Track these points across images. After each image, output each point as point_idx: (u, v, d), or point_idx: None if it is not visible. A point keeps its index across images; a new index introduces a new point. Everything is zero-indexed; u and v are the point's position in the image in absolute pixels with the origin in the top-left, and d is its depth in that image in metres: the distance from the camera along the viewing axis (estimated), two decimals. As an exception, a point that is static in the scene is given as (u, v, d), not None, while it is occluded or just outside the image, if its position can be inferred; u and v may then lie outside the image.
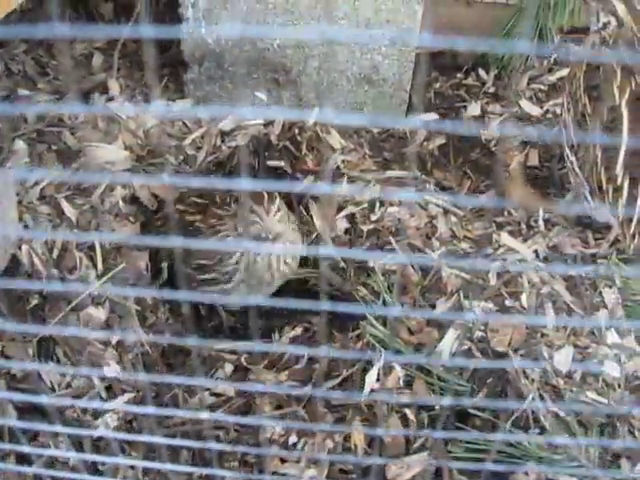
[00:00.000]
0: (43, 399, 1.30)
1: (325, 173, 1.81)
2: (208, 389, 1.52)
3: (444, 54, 2.14)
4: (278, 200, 1.48)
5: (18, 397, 1.39)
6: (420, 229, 1.70)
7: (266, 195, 1.45)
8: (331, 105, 1.90)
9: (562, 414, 1.47)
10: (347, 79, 1.87)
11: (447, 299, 1.58)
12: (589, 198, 1.54)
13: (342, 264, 1.68)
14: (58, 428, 1.28)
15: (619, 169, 1.46)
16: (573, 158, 1.59)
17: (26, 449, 1.29)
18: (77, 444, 1.38)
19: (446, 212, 1.74)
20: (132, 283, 1.65)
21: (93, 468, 1.36)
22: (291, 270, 1.60)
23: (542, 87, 2.04)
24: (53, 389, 1.46)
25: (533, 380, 1.50)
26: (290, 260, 1.58)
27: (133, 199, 1.79)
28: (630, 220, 1.45)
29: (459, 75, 2.11)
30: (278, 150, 1.88)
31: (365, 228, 1.71)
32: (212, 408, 1.48)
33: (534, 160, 1.89)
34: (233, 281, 1.56)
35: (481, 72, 2.10)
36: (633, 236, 1.49)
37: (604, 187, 1.49)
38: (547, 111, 1.99)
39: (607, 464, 1.44)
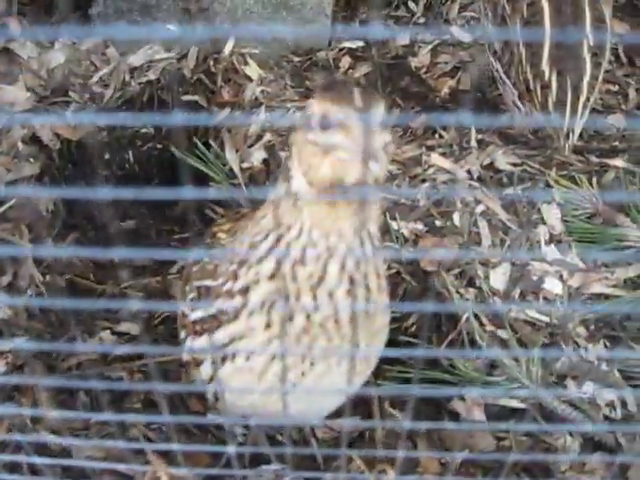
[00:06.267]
0: None
1: (242, 104, 1.68)
2: (109, 327, 1.37)
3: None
4: None
5: None
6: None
7: None
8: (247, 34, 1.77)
9: (501, 334, 1.35)
10: (263, 5, 1.74)
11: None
12: (518, 103, 1.42)
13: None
14: None
15: (545, 64, 1.35)
16: (498, 65, 1.48)
17: None
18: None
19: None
20: (27, 223, 1.50)
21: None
22: None
23: (474, 14, 1.94)
24: None
25: (468, 299, 1.37)
26: None
27: (34, 140, 1.64)
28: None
29: (387, 9, 1.99)
30: (192, 84, 1.74)
31: (284, 155, 1.57)
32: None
33: (466, 84, 1.77)
34: None
35: (411, 4, 1.99)
36: (567, 135, 1.37)
37: (532, 86, 1.37)
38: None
39: (551, 386, 1.31)
